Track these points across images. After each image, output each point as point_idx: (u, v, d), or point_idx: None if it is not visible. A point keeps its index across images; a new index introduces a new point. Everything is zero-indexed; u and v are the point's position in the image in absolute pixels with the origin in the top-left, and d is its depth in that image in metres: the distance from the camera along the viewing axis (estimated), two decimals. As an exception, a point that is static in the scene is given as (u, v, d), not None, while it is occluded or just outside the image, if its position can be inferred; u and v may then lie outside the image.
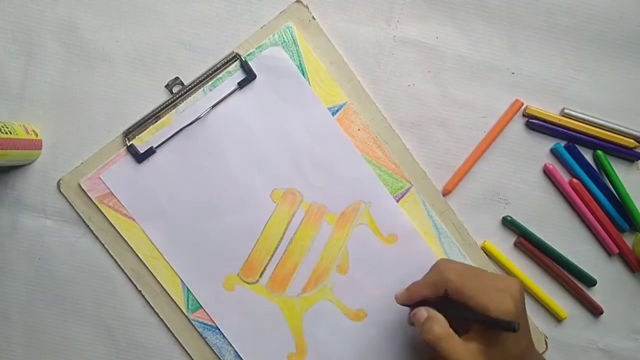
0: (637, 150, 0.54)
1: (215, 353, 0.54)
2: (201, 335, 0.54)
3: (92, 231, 0.54)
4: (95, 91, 0.54)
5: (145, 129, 0.53)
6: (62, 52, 0.53)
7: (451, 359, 0.44)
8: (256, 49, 0.53)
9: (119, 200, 0.53)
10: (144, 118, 0.53)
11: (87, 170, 0.53)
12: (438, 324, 0.45)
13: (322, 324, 0.54)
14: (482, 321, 0.45)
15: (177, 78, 0.53)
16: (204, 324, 0.54)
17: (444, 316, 0.46)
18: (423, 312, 0.46)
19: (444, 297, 0.46)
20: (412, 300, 0.48)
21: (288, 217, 0.54)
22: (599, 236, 0.55)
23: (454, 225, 0.54)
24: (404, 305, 0.49)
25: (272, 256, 0.54)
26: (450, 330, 0.45)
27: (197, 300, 0.54)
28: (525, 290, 0.52)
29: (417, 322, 0.46)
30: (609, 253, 0.55)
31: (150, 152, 0.53)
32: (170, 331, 0.54)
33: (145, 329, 0.55)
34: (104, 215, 0.53)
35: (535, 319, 0.55)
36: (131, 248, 0.54)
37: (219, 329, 0.54)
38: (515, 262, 0.55)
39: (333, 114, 0.54)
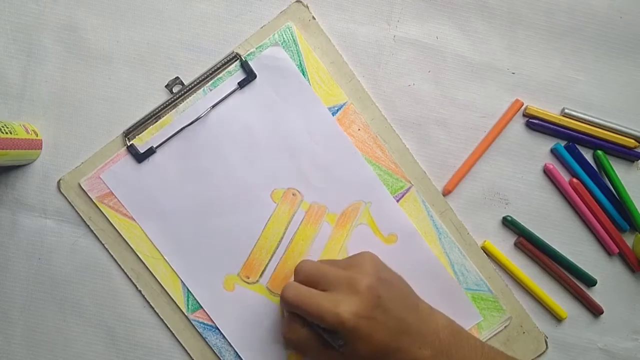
0: (637, 150, 0.54)
1: (215, 353, 0.54)
2: (201, 335, 0.54)
3: (92, 231, 0.54)
4: (95, 91, 0.54)
5: (145, 129, 0.53)
6: (62, 52, 0.53)
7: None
8: (256, 48, 0.53)
9: (119, 200, 0.53)
10: (144, 118, 0.53)
11: (87, 170, 0.53)
12: (291, 331, 0.47)
13: (322, 324, 0.54)
14: (323, 335, 0.45)
15: (177, 78, 0.53)
16: (204, 324, 0.54)
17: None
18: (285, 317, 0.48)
19: None
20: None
21: (288, 217, 0.54)
22: (599, 236, 0.55)
23: (454, 225, 0.54)
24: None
25: (272, 256, 0.54)
26: (303, 333, 0.46)
27: (197, 300, 0.54)
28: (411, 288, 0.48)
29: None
30: (609, 253, 0.55)
31: (150, 152, 0.53)
32: (170, 331, 0.54)
33: (145, 329, 0.55)
34: (104, 215, 0.53)
35: (535, 319, 0.55)
36: (131, 248, 0.54)
37: (219, 329, 0.54)
38: (515, 262, 0.55)
39: (333, 113, 0.54)
